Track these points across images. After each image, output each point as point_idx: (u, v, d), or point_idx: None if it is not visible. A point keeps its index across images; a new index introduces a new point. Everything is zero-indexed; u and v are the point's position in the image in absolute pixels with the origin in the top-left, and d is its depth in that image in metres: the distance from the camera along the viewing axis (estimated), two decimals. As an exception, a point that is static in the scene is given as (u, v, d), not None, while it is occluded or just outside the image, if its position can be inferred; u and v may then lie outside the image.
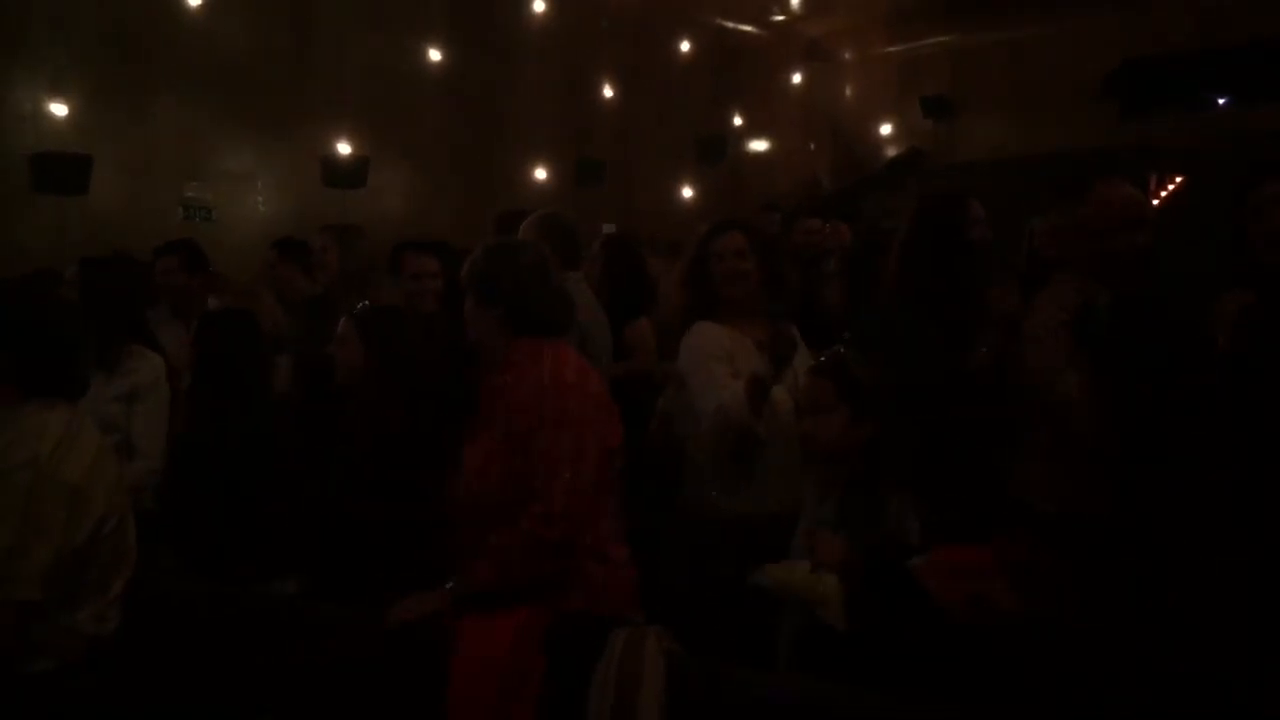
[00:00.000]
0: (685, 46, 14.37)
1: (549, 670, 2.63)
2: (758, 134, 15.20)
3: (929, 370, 3.31)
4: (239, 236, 9.69)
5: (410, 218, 10.77)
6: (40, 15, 9.19)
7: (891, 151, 15.46)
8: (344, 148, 11.01)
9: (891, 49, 15.28)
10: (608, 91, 13.56)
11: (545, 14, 12.82)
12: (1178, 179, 11.01)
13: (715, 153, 14.20)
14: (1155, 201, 9.96)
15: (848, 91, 16.18)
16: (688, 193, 14.33)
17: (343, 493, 3.40)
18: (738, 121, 14.97)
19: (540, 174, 12.89)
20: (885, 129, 15.67)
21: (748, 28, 15.09)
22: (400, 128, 11.45)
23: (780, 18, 15.00)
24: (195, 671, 3.08)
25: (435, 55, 11.89)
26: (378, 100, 11.27)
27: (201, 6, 10.09)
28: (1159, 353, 2.98)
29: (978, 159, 13.38)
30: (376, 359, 3.50)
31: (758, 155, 15.22)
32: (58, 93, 9.29)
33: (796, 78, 15.81)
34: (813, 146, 15.90)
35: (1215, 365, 3.02)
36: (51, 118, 9.26)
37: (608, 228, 10.74)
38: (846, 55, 15.93)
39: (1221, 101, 12.79)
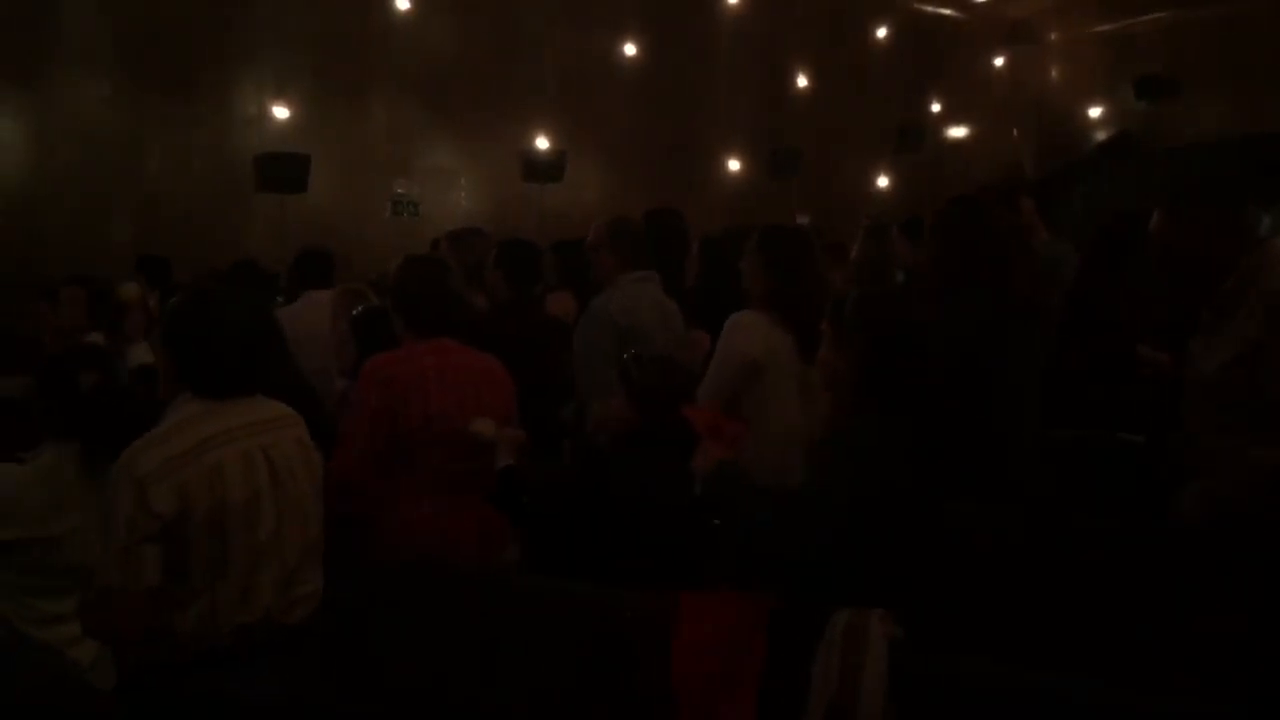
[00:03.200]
0: (882, 32, 14.11)
1: (770, 651, 2.66)
2: (957, 120, 14.80)
3: None
4: (443, 231, 10.06)
5: (605, 210, 10.92)
6: (264, 25, 9.76)
7: (1100, 135, 14.79)
8: (542, 143, 11.28)
9: (1102, 28, 14.60)
10: (802, 81, 13.45)
11: (739, 5, 12.81)
12: None
13: (913, 140, 13.90)
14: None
15: (1053, 74, 15.55)
16: (883, 182, 14.08)
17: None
18: (935, 108, 14.60)
19: (733, 165, 12.90)
20: (1094, 112, 14.98)
21: (947, 11, 14.70)
22: (596, 122, 11.66)
23: (981, 0, 14.57)
24: (407, 640, 3.20)
25: (630, 50, 12.05)
26: (575, 95, 11.50)
27: (410, 10, 10.52)
28: None
29: (1196, 140, 12.65)
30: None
31: (956, 142, 14.82)
32: (280, 96, 9.85)
33: (998, 61, 15.30)
34: (1015, 132, 15.36)
35: None
36: (274, 120, 9.84)
37: (802, 218, 10.68)
38: (1052, 36, 15.31)
39: None
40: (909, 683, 2.50)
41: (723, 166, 12.83)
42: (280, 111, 9.84)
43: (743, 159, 12.87)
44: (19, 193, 8.66)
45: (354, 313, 4.25)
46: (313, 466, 2.84)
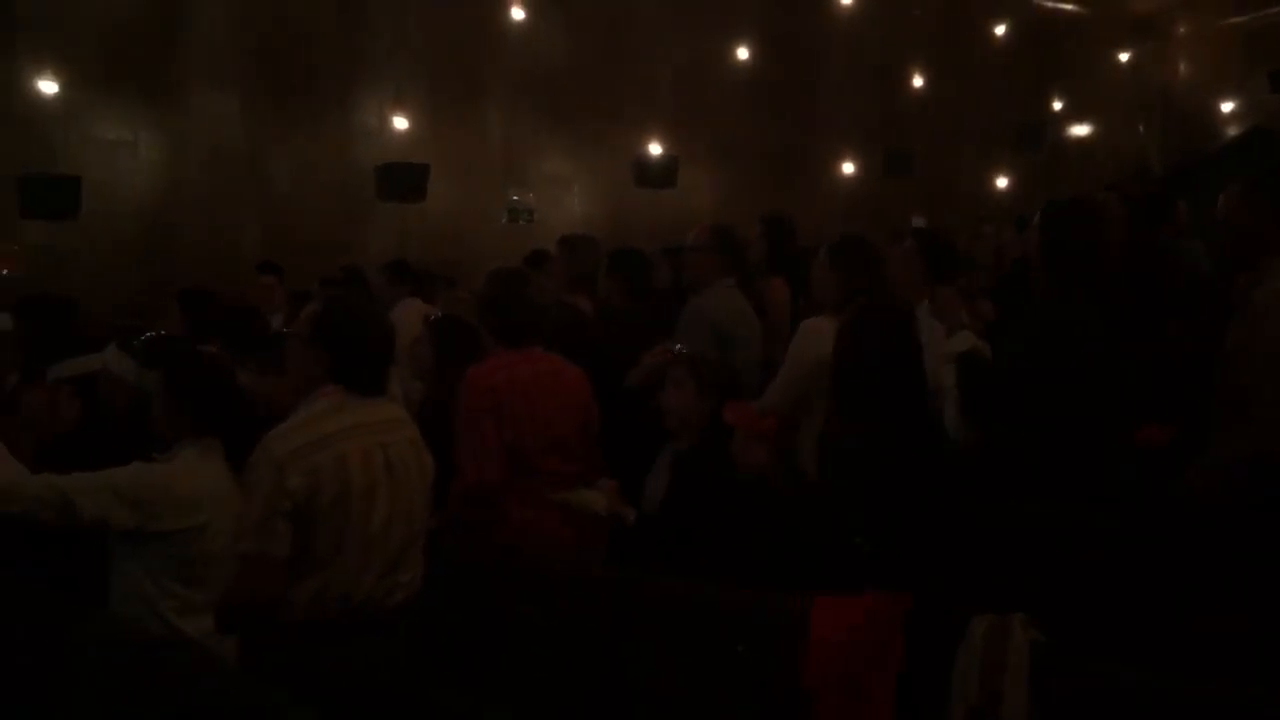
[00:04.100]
0: (1001, 29, 13.82)
1: (908, 652, 2.65)
2: (1079, 118, 14.41)
3: None
4: (556, 238, 10.18)
5: (718, 215, 10.94)
6: (383, 39, 10.01)
7: (1233, 131, 14.23)
8: (655, 148, 11.32)
9: (1235, 20, 14.06)
10: (918, 80, 13.25)
11: (853, 6, 12.68)
12: None
13: (1034, 138, 13.57)
14: None
15: (1180, 68, 15.03)
16: (1003, 182, 13.78)
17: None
18: (1057, 105, 14.24)
19: (848, 167, 12.77)
20: (1226, 107, 14.42)
21: (1069, 6, 14.32)
22: (709, 127, 11.66)
23: (1106, -6, 14.18)
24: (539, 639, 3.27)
25: (743, 54, 12.02)
26: (687, 100, 11.52)
27: (524, 19, 10.67)
28: None
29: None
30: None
31: (1079, 140, 14.43)
32: (399, 108, 10.09)
33: (1123, 57, 14.85)
34: (1142, 129, 14.89)
35: None
36: (394, 131, 10.07)
37: (918, 220, 10.52)
38: (1180, 30, 14.81)
39: None
40: (1054, 687, 2.46)
41: (837, 169, 12.72)
42: (400, 122, 10.07)
43: (857, 161, 12.73)
44: (154, 204, 9.03)
45: (431, 319, 4.41)
46: (425, 467, 3.04)
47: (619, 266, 5.12)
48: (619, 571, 3.53)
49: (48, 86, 8.43)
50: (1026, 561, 3.17)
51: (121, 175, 8.85)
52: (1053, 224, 3.74)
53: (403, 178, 9.71)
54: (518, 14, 10.66)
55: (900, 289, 4.40)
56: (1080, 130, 14.45)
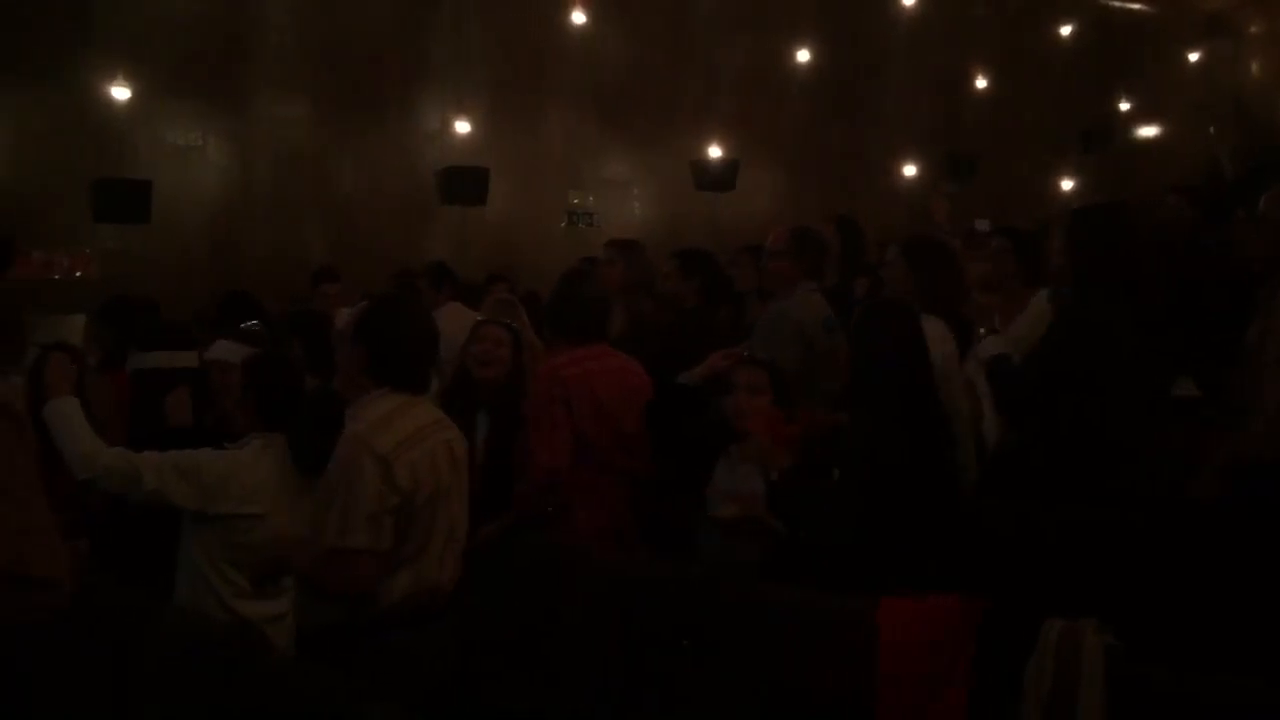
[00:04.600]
0: (1067, 30, 13.63)
1: (979, 656, 2.65)
2: (1148, 119, 14.17)
3: None
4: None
5: (777, 218, 10.89)
6: (446, 44, 10.10)
7: (1307, 131, 13.94)
8: (715, 151, 11.31)
9: (1311, 17, 13.78)
10: (980, 82, 13.11)
11: (915, 6, 12.58)
12: None
13: (1100, 140, 13.37)
14: None
15: (1253, 68, 14.73)
16: (1068, 184, 13.59)
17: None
18: (1124, 106, 14.02)
19: (909, 170, 12.67)
20: (1300, 107, 14.15)
21: (1138, 6, 14.10)
22: (769, 130, 11.63)
23: (1176, -7, 13.94)
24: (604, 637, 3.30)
25: (803, 55, 11.97)
26: (747, 103, 11.50)
27: (586, 23, 10.72)
28: None
29: None
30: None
31: (1147, 141, 14.18)
32: (461, 111, 10.18)
33: (1193, 56, 14.58)
34: (1212, 130, 14.61)
35: None
36: (456, 135, 10.16)
37: (981, 224, 10.40)
38: (1251, 29, 14.51)
39: None
40: (1130, 694, 2.43)
41: (898, 172, 12.62)
42: (461, 126, 10.16)
43: (918, 162, 12.63)
44: (222, 208, 9.20)
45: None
46: (466, 466, 3.21)
47: (694, 269, 5.14)
48: (670, 570, 3.54)
49: (120, 93, 8.62)
50: (1093, 565, 3.15)
51: (191, 180, 9.03)
52: (1079, 228, 3.76)
53: (464, 181, 9.79)
54: (578, 18, 10.71)
55: (986, 289, 4.40)
56: (1148, 131, 14.21)
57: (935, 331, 3.78)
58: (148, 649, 2.87)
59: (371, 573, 2.84)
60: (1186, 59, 14.61)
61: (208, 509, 3.18)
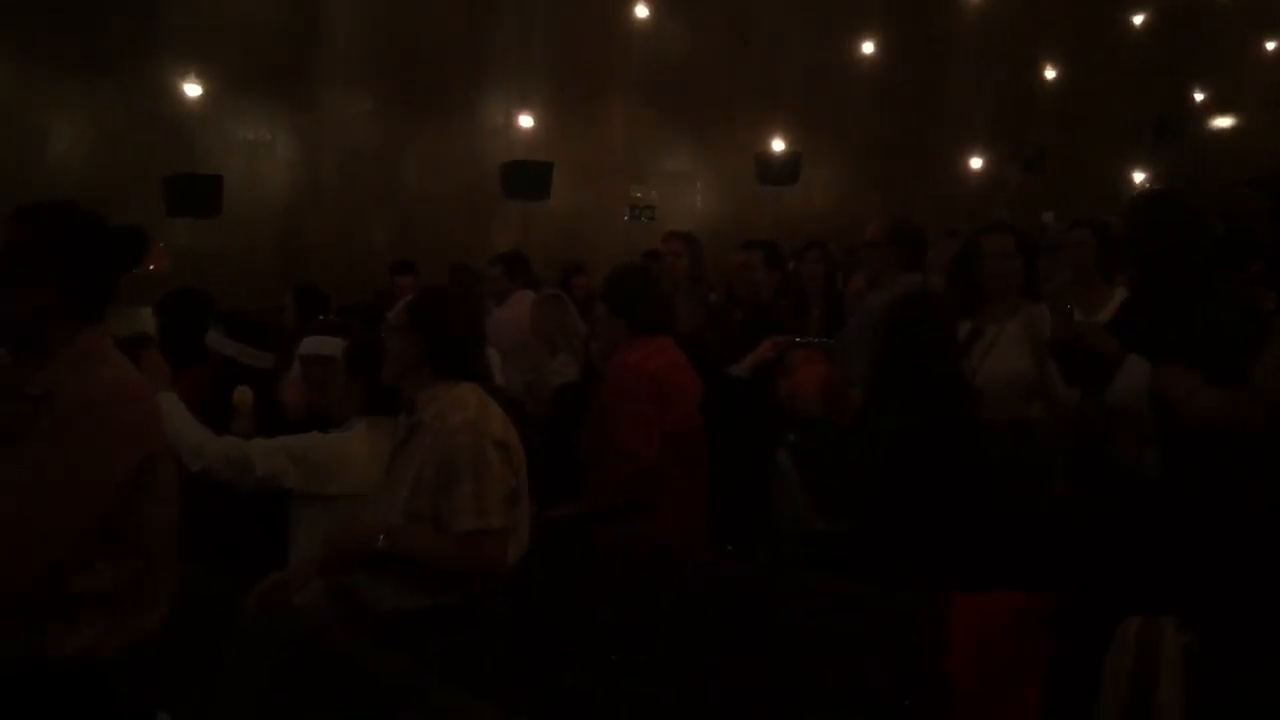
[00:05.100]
0: (1139, 19, 13.36)
1: (1055, 653, 2.62)
2: (1222, 109, 13.85)
3: None
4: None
5: (839, 212, 10.84)
6: (510, 39, 10.16)
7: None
8: (777, 145, 11.26)
9: (1394, 3, 13.38)
10: (1050, 73, 12.90)
11: (984, -1, 12.43)
12: None
13: (1173, 131, 13.10)
14: None
15: (1334, 56, 14.34)
16: (1140, 176, 13.33)
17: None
18: (1198, 97, 13.71)
19: (975, 163, 12.51)
20: (1383, 96, 13.75)
21: (1212, -7, 13.80)
22: (832, 123, 11.54)
23: (1251, -20, 13.59)
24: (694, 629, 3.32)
25: (868, 48, 11.86)
26: (811, 97, 11.43)
27: (649, 17, 10.72)
28: None
29: None
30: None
31: (1221, 132, 13.86)
32: (525, 105, 10.23)
33: (1270, 45, 14.22)
34: (1290, 120, 14.25)
35: None
36: (519, 129, 10.23)
37: (1047, 217, 10.26)
38: (1333, 15, 14.13)
39: None
40: (1210, 694, 2.39)
41: (964, 165, 12.46)
42: (525, 121, 10.21)
43: (985, 155, 12.46)
44: (290, 203, 9.35)
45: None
46: None
47: (778, 261, 5.15)
48: (755, 564, 3.53)
49: (192, 90, 8.80)
50: (1175, 563, 3.09)
51: (259, 175, 9.19)
52: (1136, 216, 3.69)
53: (527, 175, 9.84)
54: (642, 12, 10.71)
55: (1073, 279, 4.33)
56: (1223, 122, 13.89)
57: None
58: (235, 634, 2.95)
59: (505, 552, 2.97)
60: (1263, 48, 14.25)
61: (319, 491, 3.20)
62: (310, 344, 3.74)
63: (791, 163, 11.18)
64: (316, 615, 3.07)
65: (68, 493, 2.06)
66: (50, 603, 2.07)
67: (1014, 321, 3.80)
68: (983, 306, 3.87)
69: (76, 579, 2.08)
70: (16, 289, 2.14)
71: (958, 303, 3.88)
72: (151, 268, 8.52)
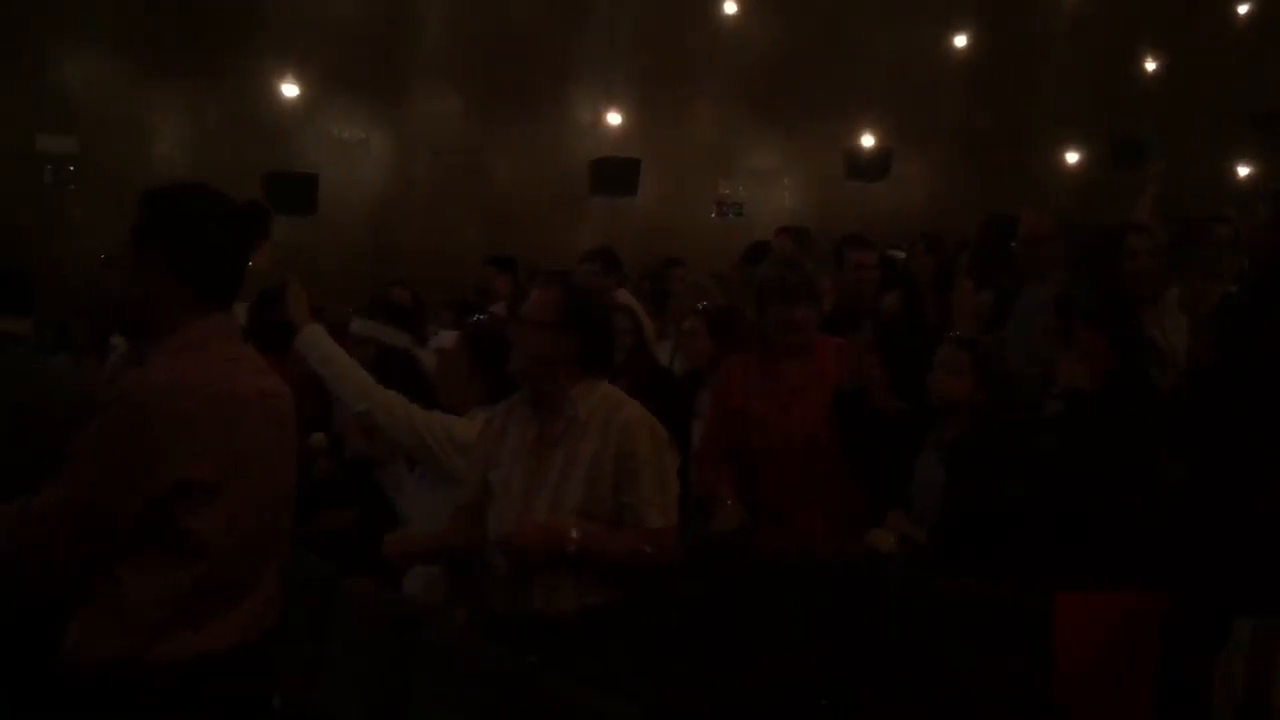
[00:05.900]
0: (1244, 8, 12.95)
1: (1166, 654, 2.57)
2: (1332, 101, 13.35)
3: None
4: (766, 232, 10.14)
5: (930, 207, 10.68)
6: (598, 36, 10.20)
7: None
8: (867, 140, 11.13)
9: None
10: (1149, 64, 12.56)
11: (1081, -12, 12.14)
12: None
13: (1278, 125, 12.66)
14: None
15: None
16: (1244, 171, 12.92)
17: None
18: (1307, 88, 13.24)
19: (1071, 157, 12.23)
20: None
21: (1322, -20, 13.29)
22: (923, 117, 11.37)
23: (1365, -36, 13.07)
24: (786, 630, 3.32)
25: (960, 41, 11.67)
26: (901, 91, 11.27)
27: (737, 12, 10.68)
28: None
29: None
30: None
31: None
32: (612, 102, 10.27)
33: (1383, 33, 13.68)
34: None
35: None
36: (607, 126, 10.26)
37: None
38: None
39: None
40: None
41: (1059, 160, 12.20)
42: (612, 118, 10.25)
43: (1081, 150, 12.18)
44: (383, 201, 9.51)
45: (701, 306, 4.52)
46: None
47: (937, 247, 5.24)
48: (847, 558, 3.52)
49: (289, 90, 9.00)
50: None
51: (355, 174, 9.36)
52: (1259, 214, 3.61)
53: (615, 172, 9.89)
54: (729, 7, 10.67)
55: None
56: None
57: None
58: (337, 620, 3.01)
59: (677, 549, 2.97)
60: (1377, 36, 13.71)
61: (456, 471, 3.21)
62: (443, 338, 3.84)
63: (881, 158, 11.05)
64: (426, 605, 3.12)
65: (65, 522, 1.93)
66: (108, 607, 1.95)
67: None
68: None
69: (125, 584, 1.95)
70: (131, 274, 2.09)
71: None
72: (251, 264, 8.76)
